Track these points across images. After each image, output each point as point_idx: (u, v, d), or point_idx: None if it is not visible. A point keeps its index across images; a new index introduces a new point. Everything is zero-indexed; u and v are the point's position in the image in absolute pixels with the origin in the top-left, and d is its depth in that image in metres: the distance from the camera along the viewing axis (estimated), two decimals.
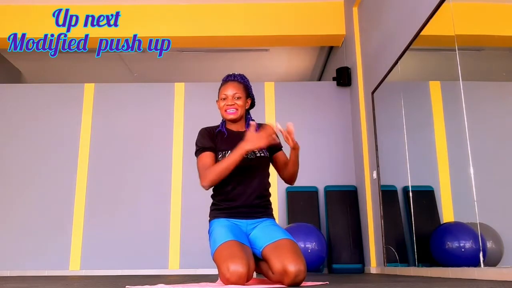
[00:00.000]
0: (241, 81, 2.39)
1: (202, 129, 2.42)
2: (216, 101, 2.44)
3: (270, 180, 2.43)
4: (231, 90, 2.35)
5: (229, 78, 2.40)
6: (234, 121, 2.39)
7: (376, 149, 4.60)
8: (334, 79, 5.72)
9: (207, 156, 2.30)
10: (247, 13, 5.80)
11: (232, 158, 2.19)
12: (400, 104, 4.00)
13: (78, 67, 7.30)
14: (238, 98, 2.34)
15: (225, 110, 2.35)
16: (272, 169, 2.45)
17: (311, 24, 5.76)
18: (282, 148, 2.45)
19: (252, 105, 2.47)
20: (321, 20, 5.76)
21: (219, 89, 2.42)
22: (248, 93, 2.41)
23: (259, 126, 2.38)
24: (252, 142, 2.15)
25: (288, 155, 2.36)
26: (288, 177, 2.38)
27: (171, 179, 5.40)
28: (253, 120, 2.46)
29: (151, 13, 5.81)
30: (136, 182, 5.43)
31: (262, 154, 2.33)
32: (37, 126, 5.61)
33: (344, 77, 5.52)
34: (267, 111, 5.54)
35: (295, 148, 2.24)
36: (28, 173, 5.44)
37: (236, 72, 2.46)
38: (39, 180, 5.42)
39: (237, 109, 2.34)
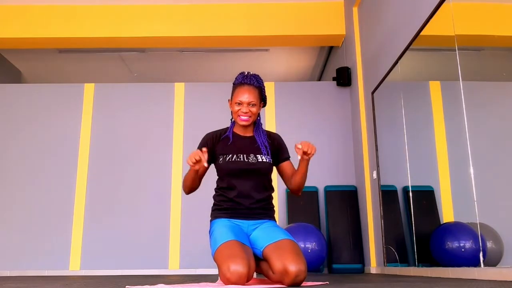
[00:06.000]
0: (257, 85, 2.33)
1: (206, 134, 2.42)
2: (228, 100, 2.40)
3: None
4: (247, 97, 2.29)
5: (245, 81, 2.33)
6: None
7: (376, 149, 4.60)
8: (334, 79, 5.72)
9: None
10: (247, 13, 5.80)
11: (188, 174, 2.30)
12: (400, 104, 4.00)
13: (78, 67, 7.29)
14: (253, 105, 2.31)
15: (239, 116, 2.32)
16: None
17: (311, 24, 5.76)
18: (290, 158, 2.44)
19: (264, 104, 2.43)
20: (321, 20, 5.76)
21: (234, 89, 2.36)
22: (262, 97, 2.38)
23: (267, 134, 2.41)
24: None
25: (296, 165, 2.36)
26: (296, 188, 2.36)
27: (171, 179, 5.40)
28: (261, 123, 2.45)
29: (151, 13, 5.81)
30: (136, 182, 5.43)
31: (265, 159, 2.33)
32: (37, 126, 5.60)
33: (344, 77, 5.52)
34: (267, 111, 5.54)
35: (304, 159, 2.22)
36: (28, 173, 5.44)
37: (250, 72, 2.39)
38: (39, 180, 5.42)
39: (250, 117, 2.32)
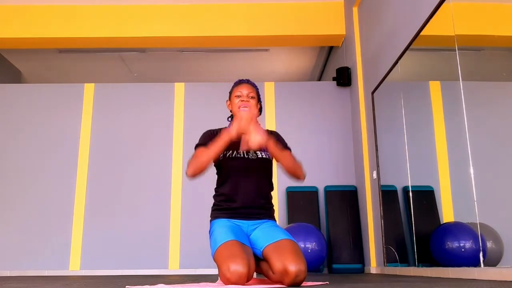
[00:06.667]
0: (254, 85, 2.47)
1: (206, 131, 2.46)
2: (227, 101, 2.48)
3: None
4: (246, 90, 2.40)
5: (243, 81, 2.47)
6: None
7: (376, 149, 4.60)
8: (334, 79, 5.72)
9: (200, 150, 2.29)
10: (247, 13, 5.80)
11: (216, 144, 2.19)
12: (400, 104, 4.00)
13: (78, 67, 7.30)
14: (252, 97, 2.39)
15: (239, 107, 2.35)
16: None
17: (311, 24, 5.76)
18: (291, 152, 2.43)
19: (260, 111, 2.47)
20: (321, 20, 5.76)
21: (232, 89, 2.46)
22: (258, 98, 2.46)
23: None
24: (239, 124, 2.12)
25: (294, 156, 2.36)
26: (290, 172, 2.32)
27: (171, 179, 5.40)
28: (259, 123, 2.47)
29: (151, 13, 5.81)
30: (136, 182, 5.43)
31: (264, 156, 2.34)
32: (37, 126, 5.60)
33: (344, 77, 5.52)
34: (267, 111, 5.54)
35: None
36: (28, 173, 5.44)
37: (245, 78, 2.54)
38: (39, 180, 5.42)
39: (250, 107, 2.35)
